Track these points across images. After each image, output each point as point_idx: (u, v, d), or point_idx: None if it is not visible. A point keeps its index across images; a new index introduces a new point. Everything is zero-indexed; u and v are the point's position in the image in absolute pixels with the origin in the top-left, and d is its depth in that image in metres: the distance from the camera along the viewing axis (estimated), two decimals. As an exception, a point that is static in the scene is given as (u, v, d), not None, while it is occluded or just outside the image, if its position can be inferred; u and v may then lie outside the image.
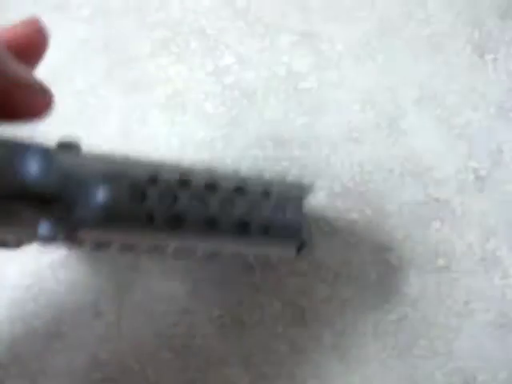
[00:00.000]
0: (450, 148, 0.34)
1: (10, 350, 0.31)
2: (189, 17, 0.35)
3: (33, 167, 0.21)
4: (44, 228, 0.22)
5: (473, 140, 0.34)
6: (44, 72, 0.34)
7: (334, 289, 0.32)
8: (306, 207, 0.29)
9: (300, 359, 0.32)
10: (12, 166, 0.21)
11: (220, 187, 0.26)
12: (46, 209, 0.22)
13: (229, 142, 0.33)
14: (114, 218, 0.24)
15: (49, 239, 0.23)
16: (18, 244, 0.24)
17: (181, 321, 0.32)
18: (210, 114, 0.34)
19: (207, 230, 0.26)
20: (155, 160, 0.26)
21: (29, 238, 0.23)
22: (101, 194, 0.23)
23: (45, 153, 0.22)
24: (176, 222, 0.25)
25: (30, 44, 0.20)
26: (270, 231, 0.27)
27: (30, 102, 0.20)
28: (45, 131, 0.33)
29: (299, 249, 0.28)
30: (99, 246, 0.25)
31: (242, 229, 0.26)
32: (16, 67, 0.19)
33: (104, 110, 0.34)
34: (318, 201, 0.33)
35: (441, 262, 0.33)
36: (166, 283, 0.32)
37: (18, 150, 0.21)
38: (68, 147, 0.23)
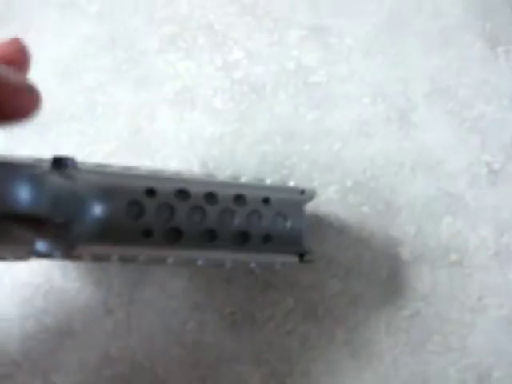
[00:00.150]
0: (462, 141, 0.33)
1: (22, 347, 0.31)
2: (197, 12, 0.35)
3: (23, 192, 0.21)
4: (41, 246, 0.22)
5: (485, 133, 0.33)
6: (52, 70, 0.34)
7: (346, 284, 0.32)
8: (308, 213, 0.29)
9: (312, 355, 0.31)
10: (1, 191, 0.20)
11: (219, 197, 0.25)
12: (41, 229, 0.22)
13: (238, 137, 0.33)
14: (111, 233, 0.23)
15: (47, 255, 0.22)
16: (16, 259, 0.24)
17: (191, 317, 0.31)
18: (218, 109, 0.33)
19: (206, 242, 0.25)
20: (152, 170, 0.26)
21: (26, 255, 0.23)
22: (97, 210, 0.23)
23: (34, 177, 0.21)
24: (174, 236, 0.25)
25: (13, 62, 0.20)
26: (270, 240, 0.27)
27: (17, 101, 0.19)
28: (55, 129, 0.33)
29: (302, 256, 0.28)
30: (98, 259, 0.25)
31: (242, 239, 0.26)
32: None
33: (113, 106, 0.33)
34: (328, 196, 0.32)
35: (453, 256, 0.32)
36: (175, 280, 0.32)
37: (7, 175, 0.21)
38: (62, 164, 0.23)
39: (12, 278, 0.32)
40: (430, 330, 0.32)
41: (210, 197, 0.25)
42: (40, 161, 0.22)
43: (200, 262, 0.26)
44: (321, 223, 0.32)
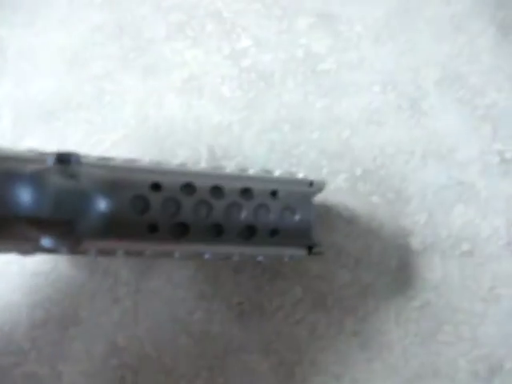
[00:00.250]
0: (474, 129, 0.33)
1: (29, 335, 0.31)
2: (204, 0, 0.35)
3: (24, 195, 0.21)
4: (46, 242, 0.22)
5: (497, 121, 0.33)
6: (60, 58, 0.34)
7: (355, 274, 0.32)
8: (317, 203, 0.28)
9: (321, 345, 0.31)
10: (3, 195, 0.20)
11: (225, 191, 0.25)
12: (44, 227, 0.22)
13: (246, 125, 0.33)
14: (116, 228, 0.23)
15: (52, 251, 0.22)
16: (23, 254, 0.23)
17: (198, 307, 0.31)
18: (226, 97, 0.33)
19: (213, 236, 0.25)
20: (157, 162, 0.26)
21: (32, 250, 0.23)
22: (102, 205, 0.23)
23: (36, 180, 0.21)
24: (180, 231, 0.25)
25: None
26: (278, 234, 0.26)
27: None
28: (62, 117, 0.33)
29: (310, 248, 0.27)
30: (104, 254, 0.25)
31: (249, 233, 0.26)
32: None
33: (120, 94, 0.33)
34: (337, 185, 0.32)
35: (465, 246, 0.32)
36: (183, 269, 0.31)
37: (8, 179, 0.21)
38: (66, 160, 0.22)
39: (20, 266, 0.32)
40: (440, 320, 0.31)
41: (216, 191, 0.25)
42: (44, 155, 0.22)
43: (207, 256, 0.26)
44: (330, 213, 0.32)
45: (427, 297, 0.31)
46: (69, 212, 0.22)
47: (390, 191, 0.32)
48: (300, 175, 0.28)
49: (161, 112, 0.33)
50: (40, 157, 0.22)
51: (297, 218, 0.26)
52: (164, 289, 0.31)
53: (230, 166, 0.27)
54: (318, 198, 0.32)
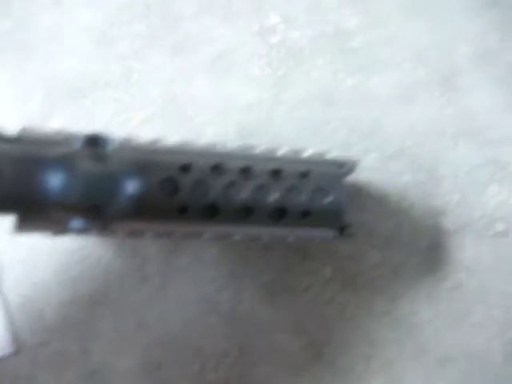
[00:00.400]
0: (508, 107, 0.32)
1: (59, 314, 0.31)
2: (232, -22, 0.34)
3: (54, 180, 0.21)
4: (76, 223, 0.22)
5: (532, 99, 0.32)
6: (88, 37, 0.34)
7: (386, 255, 0.31)
8: (347, 182, 0.28)
9: (351, 325, 0.31)
10: (33, 181, 0.20)
11: (255, 172, 0.25)
12: (74, 210, 0.22)
13: (275, 103, 0.32)
14: (145, 209, 0.23)
15: (82, 232, 0.22)
16: (53, 235, 0.23)
17: (228, 286, 0.31)
18: (255, 75, 0.33)
19: (242, 217, 0.25)
20: (186, 143, 0.25)
21: (62, 232, 0.23)
22: (131, 187, 0.23)
23: (65, 164, 0.21)
24: (210, 212, 0.24)
25: None
26: (309, 215, 0.26)
27: None
28: (90, 96, 0.33)
29: (341, 230, 0.27)
30: (133, 235, 0.25)
31: (279, 215, 0.25)
32: None
33: (148, 73, 0.33)
34: (368, 164, 0.32)
35: (498, 226, 0.31)
36: (212, 248, 0.31)
37: (38, 166, 0.21)
38: (95, 143, 0.22)
39: (49, 245, 0.32)
40: (472, 301, 0.31)
41: (246, 172, 0.25)
42: (71, 138, 0.22)
43: (236, 237, 0.26)
44: (360, 192, 0.31)
45: (459, 278, 0.31)
46: (98, 196, 0.22)
47: (421, 171, 0.32)
48: (331, 155, 0.28)
49: (189, 90, 0.33)
50: (68, 139, 0.22)
51: (328, 199, 0.26)
52: (193, 267, 0.31)
53: (259, 146, 0.26)
54: (348, 178, 0.31)
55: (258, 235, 0.26)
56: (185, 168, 0.24)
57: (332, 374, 0.30)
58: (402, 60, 0.33)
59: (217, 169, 0.24)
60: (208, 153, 0.25)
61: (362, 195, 0.31)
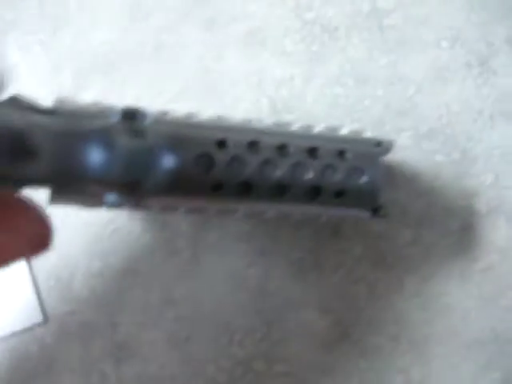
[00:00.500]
0: (546, 88, 0.32)
1: (87, 285, 0.31)
2: (266, -47, 0.34)
3: (92, 155, 0.20)
4: (111, 198, 0.22)
5: None
6: (120, 10, 0.34)
7: (417, 234, 0.31)
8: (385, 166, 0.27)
9: (380, 305, 0.30)
10: (72, 156, 0.20)
11: (291, 150, 0.24)
12: (111, 185, 0.22)
13: (308, 79, 0.32)
14: (180, 185, 0.23)
15: (116, 206, 0.22)
16: (86, 207, 0.23)
17: (257, 262, 0.31)
18: (289, 50, 0.32)
19: (276, 195, 0.24)
20: (222, 118, 0.25)
21: (95, 206, 0.23)
22: (167, 162, 0.22)
23: (105, 140, 0.21)
24: (244, 189, 0.24)
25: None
26: (343, 195, 0.25)
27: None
28: (122, 69, 0.33)
29: (375, 211, 0.26)
30: (166, 210, 0.25)
31: (314, 193, 0.25)
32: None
33: (181, 47, 0.33)
34: (401, 142, 0.31)
35: (533, 208, 0.31)
36: (243, 223, 0.31)
37: (80, 140, 0.20)
38: (132, 117, 0.22)
39: (78, 217, 0.32)
40: (504, 284, 0.30)
41: (283, 149, 0.24)
42: (108, 111, 0.22)
43: (269, 215, 0.25)
44: (393, 171, 0.31)
45: (491, 260, 0.31)
46: (136, 172, 0.22)
47: (455, 150, 0.31)
48: (367, 134, 0.27)
49: (221, 65, 0.33)
50: (104, 112, 0.22)
51: (364, 179, 0.25)
52: (223, 242, 0.31)
53: (295, 123, 0.26)
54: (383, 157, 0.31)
55: (290, 213, 0.26)
56: (221, 144, 0.23)
57: (359, 353, 0.30)
58: (438, 39, 0.32)
59: (253, 145, 0.24)
60: (244, 128, 0.25)
61: (394, 174, 0.31)
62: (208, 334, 0.31)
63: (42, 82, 0.33)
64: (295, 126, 0.26)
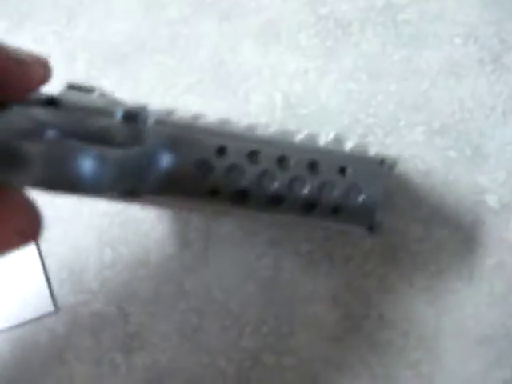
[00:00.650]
0: (560, 86, 0.32)
1: (98, 275, 0.32)
2: None
3: (86, 171, 0.20)
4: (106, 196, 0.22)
5: None
6: (135, 2, 0.34)
7: (429, 229, 0.31)
8: (393, 155, 0.27)
9: (390, 299, 0.31)
10: (65, 167, 0.20)
11: (292, 163, 0.24)
12: (104, 192, 0.22)
13: (322, 74, 0.32)
14: (176, 186, 0.23)
15: (112, 201, 0.22)
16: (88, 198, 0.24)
17: (267, 253, 0.31)
18: (303, 45, 0.32)
19: (272, 206, 0.25)
20: (224, 121, 0.25)
21: (92, 198, 0.23)
22: (165, 162, 0.23)
23: (98, 156, 0.21)
24: (240, 197, 0.24)
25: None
26: (339, 212, 0.25)
27: (26, 76, 0.19)
28: (137, 60, 0.33)
29: (371, 228, 0.26)
30: (162, 206, 0.25)
31: (309, 208, 0.25)
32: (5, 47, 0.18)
33: (195, 39, 0.33)
34: (414, 137, 0.31)
35: (544, 206, 0.31)
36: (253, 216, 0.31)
37: (72, 152, 0.20)
38: (133, 118, 0.22)
39: (90, 207, 0.32)
40: (514, 281, 0.30)
41: (283, 161, 0.24)
42: (113, 106, 0.22)
43: (265, 222, 0.26)
44: (405, 166, 0.31)
45: (502, 256, 0.31)
46: (131, 179, 0.22)
47: (467, 146, 0.31)
48: (371, 151, 0.27)
49: (236, 57, 0.33)
50: (108, 109, 0.22)
51: (362, 198, 0.25)
52: (234, 234, 0.31)
53: (301, 132, 0.26)
54: (394, 150, 0.31)
55: (285, 223, 0.26)
56: (221, 151, 0.24)
57: (369, 347, 0.30)
58: (452, 35, 0.32)
59: (253, 155, 0.24)
60: (246, 136, 0.24)
61: (407, 168, 0.31)
62: (218, 326, 0.31)
63: (55, 73, 0.33)
64: (301, 135, 0.26)
